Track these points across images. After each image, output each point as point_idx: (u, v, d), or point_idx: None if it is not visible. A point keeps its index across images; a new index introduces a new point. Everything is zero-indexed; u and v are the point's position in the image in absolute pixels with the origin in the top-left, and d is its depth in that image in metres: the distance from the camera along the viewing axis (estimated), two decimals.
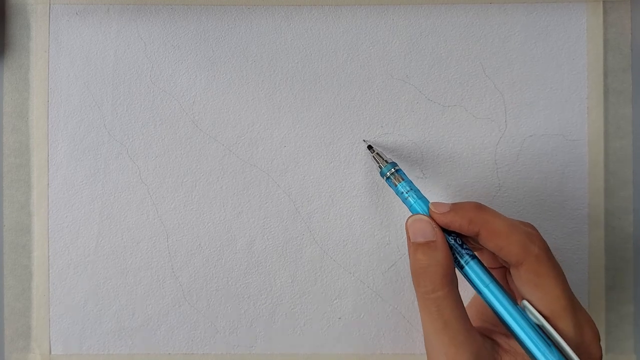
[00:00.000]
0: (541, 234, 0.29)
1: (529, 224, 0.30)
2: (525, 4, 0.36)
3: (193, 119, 0.36)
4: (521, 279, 0.28)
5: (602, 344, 0.36)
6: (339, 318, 0.36)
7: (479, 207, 0.29)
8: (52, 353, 0.36)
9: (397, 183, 0.32)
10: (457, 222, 0.29)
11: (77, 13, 0.36)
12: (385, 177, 0.33)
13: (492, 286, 0.28)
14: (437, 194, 0.36)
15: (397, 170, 0.33)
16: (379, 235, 0.36)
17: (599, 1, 0.36)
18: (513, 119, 0.36)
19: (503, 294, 0.28)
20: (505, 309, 0.28)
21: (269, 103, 0.36)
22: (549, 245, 0.29)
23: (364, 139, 0.36)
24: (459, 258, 0.29)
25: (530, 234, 0.29)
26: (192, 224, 0.36)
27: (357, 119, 0.36)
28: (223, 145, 0.36)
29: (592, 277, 0.36)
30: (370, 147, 0.35)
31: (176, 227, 0.36)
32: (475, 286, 0.29)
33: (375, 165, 0.34)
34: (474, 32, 0.36)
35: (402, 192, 0.32)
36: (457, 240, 0.30)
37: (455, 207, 0.30)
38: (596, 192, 0.36)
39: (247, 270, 0.36)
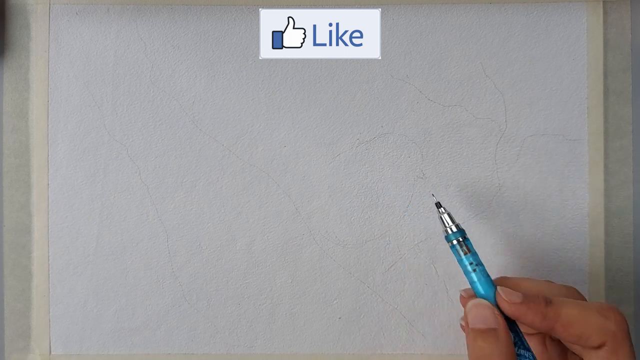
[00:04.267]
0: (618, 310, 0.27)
1: (608, 306, 0.28)
2: (525, 4, 0.36)
3: (193, 119, 0.36)
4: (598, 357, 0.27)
5: None
6: (339, 318, 0.36)
7: (549, 301, 0.27)
8: (52, 353, 0.36)
9: (463, 254, 0.30)
10: (529, 318, 0.27)
11: (77, 13, 0.36)
12: (450, 244, 0.31)
13: None
14: (437, 194, 0.36)
15: (464, 239, 0.31)
16: (379, 235, 0.36)
17: (599, 1, 0.36)
18: (513, 119, 0.36)
19: None
20: None
21: (269, 103, 0.36)
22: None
23: (432, 193, 0.34)
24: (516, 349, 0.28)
25: (605, 309, 0.27)
26: (192, 224, 0.36)
27: (357, 119, 0.36)
28: (223, 145, 0.36)
29: (592, 277, 0.36)
30: (438, 205, 0.32)
31: (176, 227, 0.36)
32: None
33: (442, 227, 0.31)
34: (474, 32, 0.36)
35: (467, 265, 0.30)
36: (519, 331, 0.28)
37: (527, 300, 0.27)
38: (596, 192, 0.36)
39: (247, 270, 0.36)
